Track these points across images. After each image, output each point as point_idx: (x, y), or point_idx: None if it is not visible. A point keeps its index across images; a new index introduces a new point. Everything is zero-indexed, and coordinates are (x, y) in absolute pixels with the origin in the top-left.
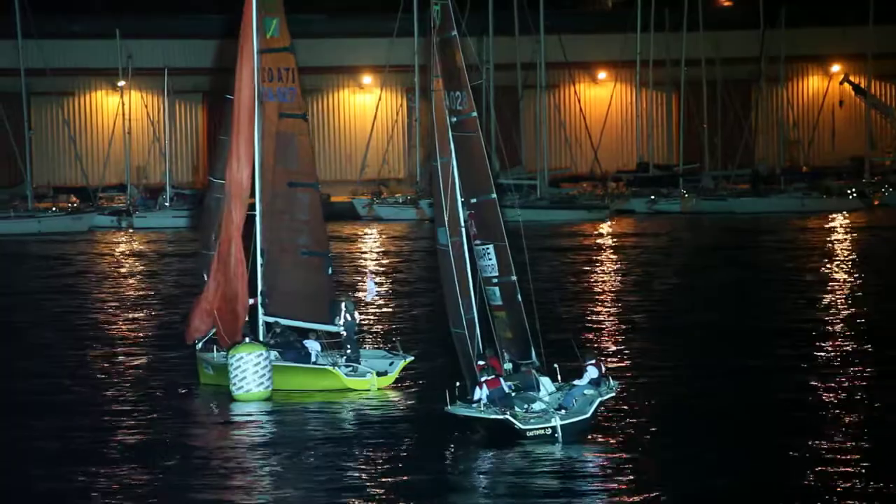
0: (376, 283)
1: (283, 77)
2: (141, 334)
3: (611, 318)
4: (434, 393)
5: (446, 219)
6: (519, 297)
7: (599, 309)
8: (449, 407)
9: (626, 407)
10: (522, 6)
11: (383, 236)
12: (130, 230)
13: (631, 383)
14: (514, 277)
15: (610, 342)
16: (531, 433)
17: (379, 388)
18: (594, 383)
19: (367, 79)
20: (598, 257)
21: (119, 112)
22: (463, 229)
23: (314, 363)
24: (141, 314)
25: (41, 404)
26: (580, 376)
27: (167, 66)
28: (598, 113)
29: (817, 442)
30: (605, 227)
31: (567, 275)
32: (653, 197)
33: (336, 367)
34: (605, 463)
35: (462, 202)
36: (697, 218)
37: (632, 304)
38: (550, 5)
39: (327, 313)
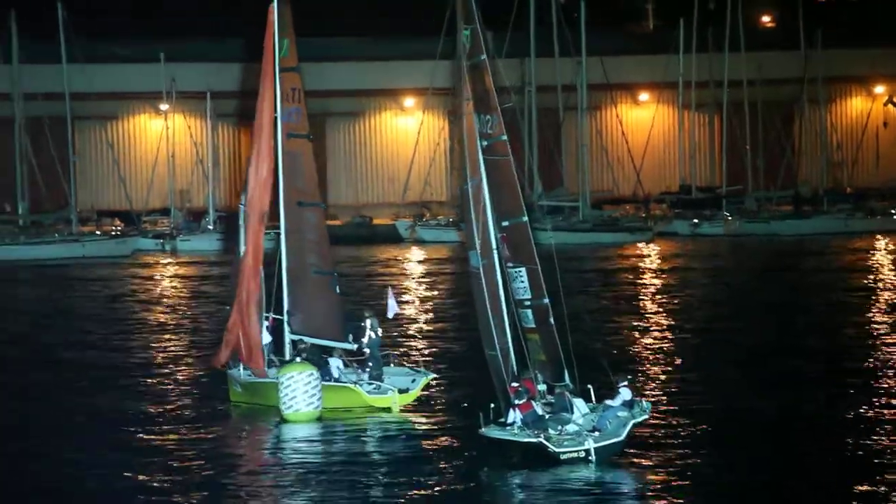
0: (397, 301)
1: (288, 97)
2: (179, 353)
3: (646, 340)
4: (465, 413)
5: (478, 242)
6: (551, 319)
7: (635, 330)
8: (483, 429)
9: (660, 429)
10: (563, 28)
11: (425, 258)
12: (174, 253)
13: (664, 404)
14: (546, 300)
15: (643, 363)
16: (565, 456)
17: (401, 407)
18: (627, 405)
19: (409, 101)
20: (639, 279)
21: (163, 135)
22: (495, 252)
23: (336, 380)
24: (179, 335)
25: (73, 420)
26: (613, 397)
27: (210, 89)
28: (640, 135)
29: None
30: (647, 250)
31: (606, 296)
32: (696, 220)
33: (358, 385)
34: (639, 485)
35: (493, 225)
36: (740, 240)
37: (667, 326)
38: (592, 27)
39: (340, 331)
